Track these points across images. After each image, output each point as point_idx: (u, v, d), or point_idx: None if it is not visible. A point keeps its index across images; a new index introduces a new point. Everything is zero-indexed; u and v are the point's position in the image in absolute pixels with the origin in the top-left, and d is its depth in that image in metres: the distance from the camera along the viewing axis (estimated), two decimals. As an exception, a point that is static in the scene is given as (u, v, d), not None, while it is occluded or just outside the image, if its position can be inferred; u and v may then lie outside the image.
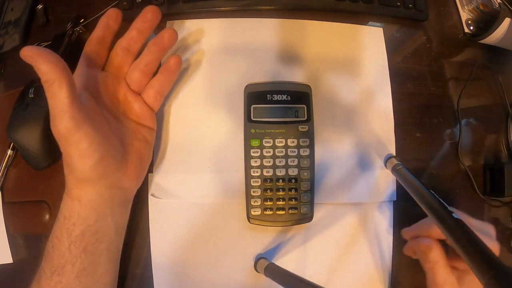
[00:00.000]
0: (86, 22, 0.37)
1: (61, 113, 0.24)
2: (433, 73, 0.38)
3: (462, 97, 0.37)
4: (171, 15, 0.36)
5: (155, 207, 0.34)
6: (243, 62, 0.36)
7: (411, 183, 0.29)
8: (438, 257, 0.26)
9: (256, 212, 0.32)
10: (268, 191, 0.32)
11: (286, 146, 0.32)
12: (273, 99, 0.33)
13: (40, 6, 0.39)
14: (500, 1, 0.38)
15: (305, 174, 0.32)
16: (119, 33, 0.32)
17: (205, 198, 0.33)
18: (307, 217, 0.32)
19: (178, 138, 0.34)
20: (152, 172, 0.34)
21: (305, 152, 0.32)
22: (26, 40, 0.39)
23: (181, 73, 0.35)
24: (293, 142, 0.32)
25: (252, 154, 0.32)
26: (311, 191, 0.32)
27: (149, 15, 0.31)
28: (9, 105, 0.35)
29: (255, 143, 0.32)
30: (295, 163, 0.32)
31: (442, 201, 0.25)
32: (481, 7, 0.40)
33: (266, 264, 0.31)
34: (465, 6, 0.40)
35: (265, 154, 0.32)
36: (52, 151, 0.34)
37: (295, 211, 0.32)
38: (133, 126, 0.31)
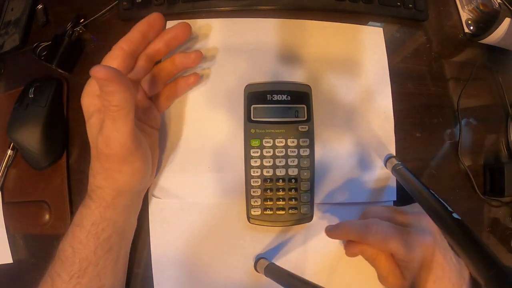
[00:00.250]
0: (86, 22, 0.37)
1: (124, 136, 0.24)
2: (433, 73, 0.38)
3: (462, 97, 0.37)
4: (171, 15, 0.36)
5: (155, 207, 0.34)
6: (243, 62, 0.35)
7: (411, 183, 0.29)
8: (375, 254, 0.29)
9: (256, 212, 0.32)
10: (268, 191, 0.32)
11: (286, 146, 0.32)
12: (273, 99, 0.33)
13: (40, 6, 0.39)
14: (500, 1, 0.38)
15: (305, 174, 0.32)
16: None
17: (205, 198, 0.33)
18: (307, 217, 0.32)
19: (178, 138, 0.34)
20: (152, 172, 0.34)
21: (305, 152, 0.32)
22: (26, 40, 0.40)
23: (181, 73, 0.35)
24: (293, 142, 0.32)
25: (252, 154, 0.32)
26: (311, 191, 0.32)
27: (179, 29, 0.31)
28: (9, 105, 0.36)
29: (255, 143, 0.32)
30: (295, 163, 0.32)
31: (442, 201, 0.25)
32: (481, 7, 0.40)
33: (266, 264, 0.31)
34: (465, 6, 0.40)
35: (265, 154, 0.32)
36: (52, 151, 0.34)
37: (295, 211, 0.32)
38: (149, 130, 0.31)
